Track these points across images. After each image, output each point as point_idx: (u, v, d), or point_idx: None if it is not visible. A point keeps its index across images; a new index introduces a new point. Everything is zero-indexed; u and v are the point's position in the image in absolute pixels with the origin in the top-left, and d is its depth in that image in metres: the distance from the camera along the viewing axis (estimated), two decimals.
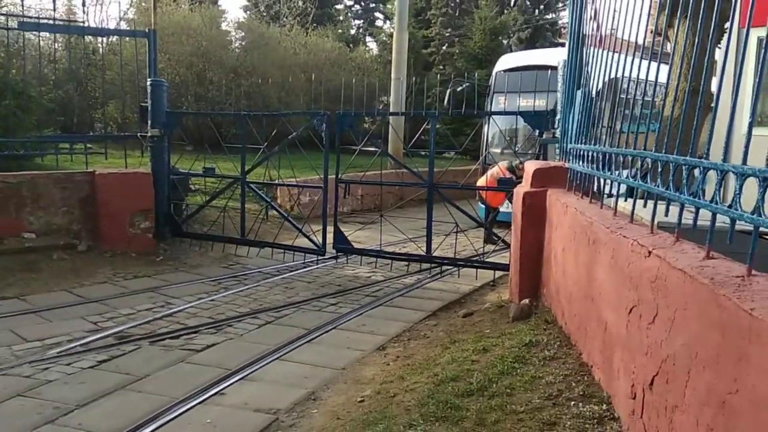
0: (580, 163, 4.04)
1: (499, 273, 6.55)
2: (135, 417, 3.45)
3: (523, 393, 3.09)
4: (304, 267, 7.36)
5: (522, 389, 3.13)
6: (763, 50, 1.68)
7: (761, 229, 1.71)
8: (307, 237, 7.40)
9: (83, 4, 10.75)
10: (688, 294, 1.92)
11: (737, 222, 1.84)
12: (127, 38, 8.95)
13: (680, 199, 2.29)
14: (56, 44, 8.95)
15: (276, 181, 8.55)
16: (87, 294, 5.95)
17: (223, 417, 3.51)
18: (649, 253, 2.32)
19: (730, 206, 1.86)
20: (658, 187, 2.58)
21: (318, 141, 7.16)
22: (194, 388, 3.86)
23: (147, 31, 8.05)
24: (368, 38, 30.54)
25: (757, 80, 1.81)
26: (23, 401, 3.65)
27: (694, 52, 2.75)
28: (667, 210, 2.54)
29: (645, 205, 2.80)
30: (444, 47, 25.00)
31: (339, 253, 7.30)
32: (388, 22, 30.65)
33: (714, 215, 2.00)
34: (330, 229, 7.21)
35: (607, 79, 3.82)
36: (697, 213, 2.22)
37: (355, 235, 8.06)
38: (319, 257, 7.34)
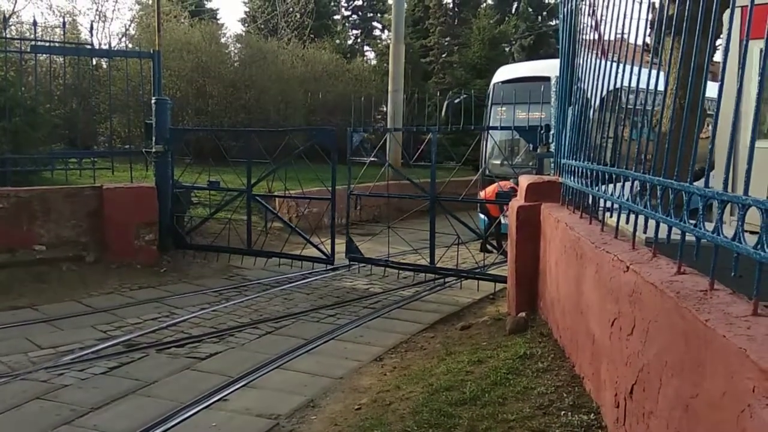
0: (572, 178, 4.18)
1: (499, 286, 6.69)
2: (146, 419, 3.66)
3: (515, 403, 3.22)
4: (303, 278, 7.52)
5: (514, 399, 3.27)
6: (761, 62, 1.73)
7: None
8: (316, 247, 7.69)
9: (91, 28, 11.00)
10: (658, 306, 2.08)
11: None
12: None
13: (655, 216, 2.45)
14: (63, 60, 9.21)
15: (283, 194, 8.75)
16: (96, 304, 6.15)
17: (228, 421, 3.69)
18: (627, 268, 2.48)
19: (695, 225, 2.02)
20: (637, 205, 2.74)
21: (325, 155, 7.49)
22: (200, 393, 4.04)
23: (152, 51, 8.30)
24: (366, 48, 30.84)
25: (758, 92, 1.84)
26: (42, 403, 3.88)
27: (680, 70, 2.88)
28: (645, 226, 2.70)
29: (627, 221, 2.96)
30: (443, 56, 25.13)
31: (351, 262, 7.63)
32: (386, 31, 30.95)
33: (683, 233, 2.16)
34: (336, 239, 7.47)
35: (596, 97, 3.96)
36: (669, 230, 2.38)
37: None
38: (328, 266, 7.61)
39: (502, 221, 8.82)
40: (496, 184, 8.97)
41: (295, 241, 8.20)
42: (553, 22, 25.56)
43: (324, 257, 7.60)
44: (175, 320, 5.67)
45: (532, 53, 22.84)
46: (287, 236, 8.39)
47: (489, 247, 8.94)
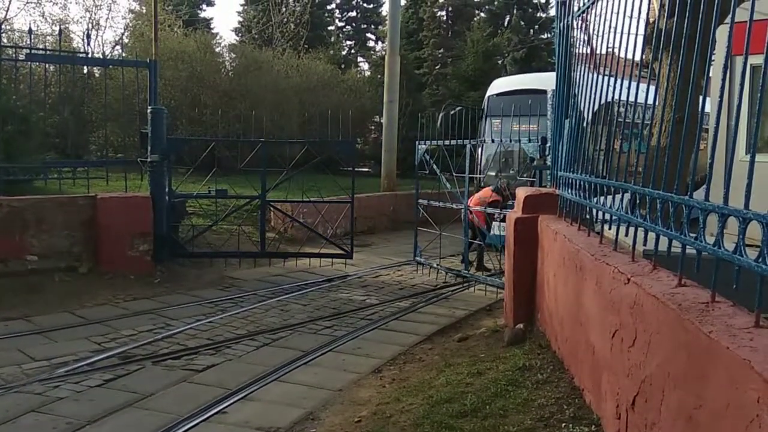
0: (569, 190, 4.22)
1: (494, 298, 6.92)
2: None
3: (516, 415, 3.23)
4: (299, 290, 7.50)
5: (515, 411, 3.28)
6: (761, 77, 1.76)
7: None
8: (336, 244, 8.44)
9: (87, 36, 11.00)
10: (660, 319, 2.10)
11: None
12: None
13: (655, 229, 2.49)
14: (57, 69, 9.20)
15: (294, 200, 9.02)
16: (89, 315, 6.09)
17: None
18: (628, 280, 2.51)
19: (696, 238, 2.06)
20: (636, 217, 2.78)
21: (342, 165, 8.27)
22: (197, 406, 4.00)
23: (149, 61, 8.30)
24: (360, 59, 31.05)
25: (758, 107, 1.87)
26: (38, 416, 3.82)
27: (678, 83, 2.92)
28: (645, 239, 2.73)
29: (627, 234, 2.99)
30: (437, 68, 25.33)
31: (418, 265, 8.60)
32: (379, 42, 31.22)
33: (684, 246, 2.19)
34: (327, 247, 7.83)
35: (593, 108, 4.01)
36: (670, 243, 2.41)
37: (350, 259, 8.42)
38: (347, 260, 8.34)
39: (495, 232, 8.88)
40: (477, 195, 9.01)
41: (290, 247, 8.33)
42: (545, 36, 25.94)
43: (344, 252, 8.19)
44: (170, 332, 5.62)
45: (524, 66, 23.05)
46: (276, 245, 8.52)
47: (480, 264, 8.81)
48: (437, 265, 8.27)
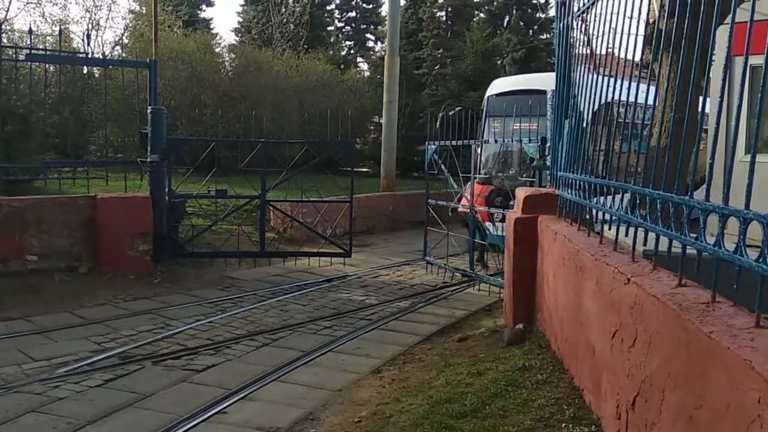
0: (569, 190, 4.22)
1: (494, 299, 6.93)
2: None
3: (516, 415, 3.24)
4: (299, 290, 7.50)
5: (515, 411, 3.28)
6: (761, 77, 1.76)
7: None
8: (335, 243, 8.54)
9: (87, 36, 11.02)
10: (661, 319, 2.11)
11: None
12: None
13: (655, 230, 2.49)
14: (57, 69, 9.21)
15: (294, 200, 9.08)
16: (89, 315, 6.09)
17: None
18: (628, 280, 2.51)
19: (696, 238, 2.06)
20: (636, 218, 2.78)
21: (342, 165, 8.35)
22: (197, 406, 4.00)
23: (149, 61, 8.30)
24: (359, 59, 31.07)
25: (758, 107, 1.83)
26: (38, 416, 3.82)
27: (678, 84, 2.92)
28: (645, 239, 2.73)
29: (627, 234, 2.99)
30: (436, 68, 25.34)
31: (428, 264, 8.64)
32: (379, 43, 31.23)
33: (684, 246, 2.20)
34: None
35: (593, 108, 4.02)
36: (670, 243, 2.42)
37: (349, 259, 8.45)
38: (346, 258, 8.47)
39: (491, 231, 8.91)
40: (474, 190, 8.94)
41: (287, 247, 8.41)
42: (544, 36, 25.96)
43: (343, 251, 8.27)
44: (170, 332, 5.62)
45: (523, 66, 23.05)
46: (283, 246, 8.54)
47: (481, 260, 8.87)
48: (445, 264, 8.29)
